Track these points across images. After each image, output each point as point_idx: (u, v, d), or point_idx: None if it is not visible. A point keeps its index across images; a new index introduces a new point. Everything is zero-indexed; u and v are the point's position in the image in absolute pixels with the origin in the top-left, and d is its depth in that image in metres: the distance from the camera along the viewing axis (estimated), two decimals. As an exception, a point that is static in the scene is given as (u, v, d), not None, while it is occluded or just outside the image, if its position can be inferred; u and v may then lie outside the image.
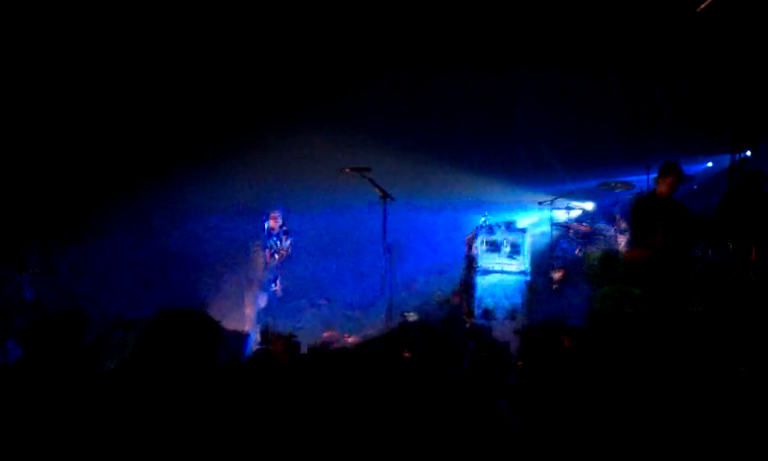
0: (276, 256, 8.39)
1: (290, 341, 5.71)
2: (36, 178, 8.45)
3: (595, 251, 9.01)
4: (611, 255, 8.83)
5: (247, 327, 7.92)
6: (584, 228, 9.42)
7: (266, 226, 8.44)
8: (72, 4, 7.38)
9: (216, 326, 3.01)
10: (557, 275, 9.37)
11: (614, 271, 8.68)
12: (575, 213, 10.00)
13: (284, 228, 8.50)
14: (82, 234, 8.96)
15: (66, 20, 7.46)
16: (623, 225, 8.76)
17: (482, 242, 8.39)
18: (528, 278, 8.44)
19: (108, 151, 8.57)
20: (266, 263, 8.38)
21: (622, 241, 8.77)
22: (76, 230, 8.92)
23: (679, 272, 7.05)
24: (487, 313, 8.15)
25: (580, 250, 9.15)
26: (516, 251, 8.49)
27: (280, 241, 8.43)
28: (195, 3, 7.35)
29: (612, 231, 9.06)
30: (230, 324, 7.56)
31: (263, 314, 8.23)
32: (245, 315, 8.36)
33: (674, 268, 7.04)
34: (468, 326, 7.52)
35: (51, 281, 8.40)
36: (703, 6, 7.45)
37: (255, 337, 7.57)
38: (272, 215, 8.46)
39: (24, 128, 8.17)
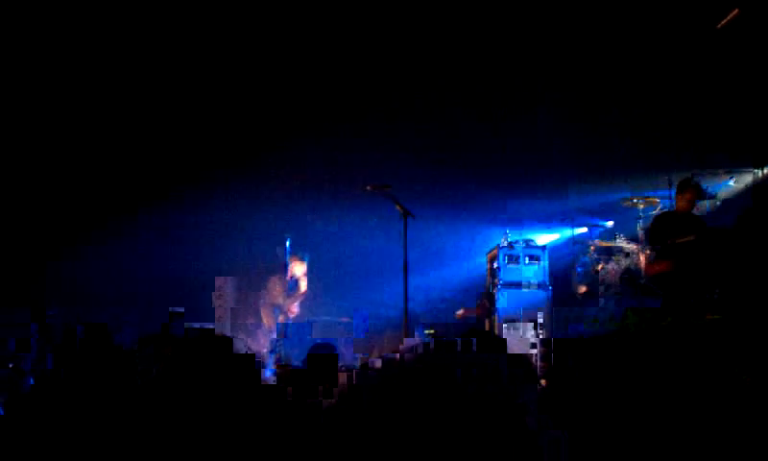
0: (295, 308, 8.53)
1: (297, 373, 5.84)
2: (56, 192, 8.70)
3: (616, 267, 9.02)
4: (632, 271, 8.83)
5: (264, 351, 8.09)
6: (605, 244, 9.43)
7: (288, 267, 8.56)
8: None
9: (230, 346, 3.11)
10: (581, 289, 9.39)
11: (636, 285, 8.71)
12: (596, 230, 10.02)
13: (304, 271, 8.64)
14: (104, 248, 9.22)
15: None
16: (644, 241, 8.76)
17: (504, 258, 8.51)
18: (549, 292, 8.52)
19: (128, 166, 8.78)
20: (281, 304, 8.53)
21: (643, 257, 8.75)
22: (99, 244, 9.17)
23: (700, 287, 7.06)
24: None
25: (603, 267, 9.16)
26: (536, 266, 8.59)
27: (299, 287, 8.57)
28: (211, 10, 7.45)
29: (633, 248, 9.04)
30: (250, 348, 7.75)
31: (275, 343, 8.36)
32: (260, 343, 8.52)
33: (695, 284, 7.06)
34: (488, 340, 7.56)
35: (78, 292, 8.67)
36: (723, 22, 7.47)
37: (272, 365, 7.72)
38: (295, 259, 8.59)
39: (43, 142, 8.40)
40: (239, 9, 7.22)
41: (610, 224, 10.20)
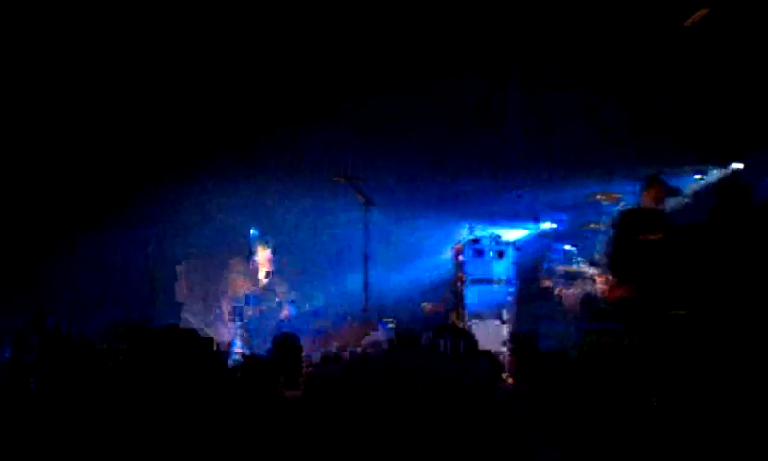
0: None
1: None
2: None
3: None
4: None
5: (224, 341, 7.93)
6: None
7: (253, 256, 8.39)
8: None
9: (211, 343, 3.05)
10: (545, 284, 9.34)
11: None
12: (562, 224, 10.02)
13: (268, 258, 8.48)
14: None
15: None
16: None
17: (470, 253, 8.50)
18: (515, 288, 8.53)
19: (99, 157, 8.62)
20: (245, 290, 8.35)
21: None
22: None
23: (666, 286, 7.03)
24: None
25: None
26: (503, 262, 8.58)
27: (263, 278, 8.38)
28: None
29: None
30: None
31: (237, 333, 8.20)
32: (220, 333, 8.35)
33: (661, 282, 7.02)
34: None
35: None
36: (691, 20, 7.48)
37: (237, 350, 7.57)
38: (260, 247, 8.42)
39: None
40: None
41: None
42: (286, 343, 6.31)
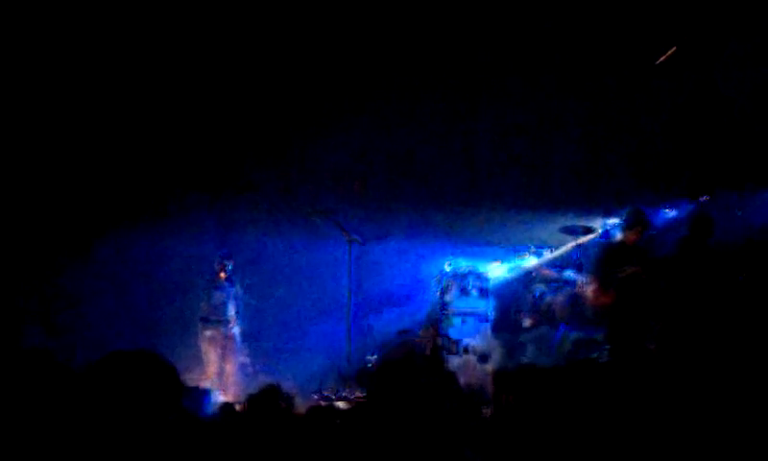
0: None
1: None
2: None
3: (562, 299, 9.05)
4: (579, 302, 8.88)
5: (206, 384, 7.62)
6: (550, 274, 9.47)
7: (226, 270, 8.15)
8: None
9: (173, 371, 2.76)
10: (528, 321, 9.39)
11: (581, 314, 8.79)
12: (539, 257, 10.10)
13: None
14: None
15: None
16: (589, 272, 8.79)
17: (453, 285, 8.57)
18: (492, 321, 8.60)
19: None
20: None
21: (589, 289, 8.73)
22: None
23: (643, 318, 7.15)
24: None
25: (551, 299, 9.19)
26: (483, 295, 8.67)
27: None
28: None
29: (579, 279, 9.05)
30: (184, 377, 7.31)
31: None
32: (205, 371, 8.06)
33: (638, 314, 7.13)
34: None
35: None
36: (662, 58, 7.69)
37: (217, 396, 7.27)
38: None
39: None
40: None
41: (552, 253, 10.25)
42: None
